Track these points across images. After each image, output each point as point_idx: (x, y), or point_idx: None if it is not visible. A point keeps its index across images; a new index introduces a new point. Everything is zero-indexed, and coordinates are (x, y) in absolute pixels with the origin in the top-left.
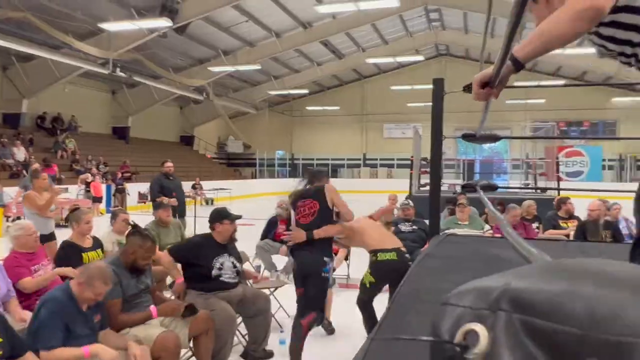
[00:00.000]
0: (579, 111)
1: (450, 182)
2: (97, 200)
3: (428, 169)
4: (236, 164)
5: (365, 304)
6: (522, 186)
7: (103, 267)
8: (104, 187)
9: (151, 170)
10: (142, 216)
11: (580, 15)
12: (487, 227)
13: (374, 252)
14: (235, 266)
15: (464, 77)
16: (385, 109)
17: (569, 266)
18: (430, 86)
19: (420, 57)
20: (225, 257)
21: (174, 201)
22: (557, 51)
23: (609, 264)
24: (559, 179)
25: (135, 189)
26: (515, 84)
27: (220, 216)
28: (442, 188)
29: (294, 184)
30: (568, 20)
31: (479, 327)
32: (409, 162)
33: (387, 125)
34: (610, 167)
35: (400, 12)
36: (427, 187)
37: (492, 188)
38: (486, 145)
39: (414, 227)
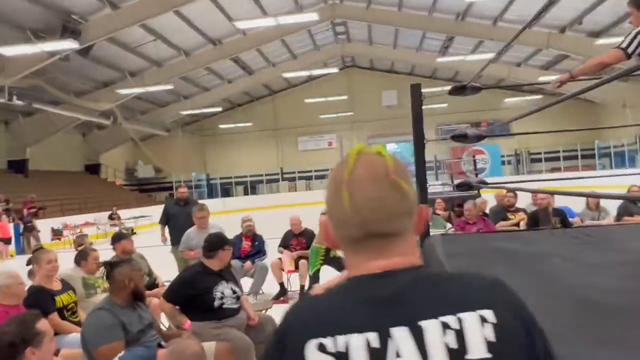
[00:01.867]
0: (477, 113)
1: None
2: (6, 241)
3: None
4: (149, 189)
5: None
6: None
7: (199, 352)
8: (11, 226)
9: (59, 204)
10: (62, 253)
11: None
12: (448, 225)
13: None
14: (234, 292)
15: (371, 87)
16: (299, 122)
17: None
18: (341, 97)
19: (334, 69)
20: (223, 284)
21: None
22: (455, 57)
23: None
24: (477, 175)
25: (45, 225)
26: (424, 90)
27: (222, 242)
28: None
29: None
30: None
31: None
32: (326, 173)
33: (301, 138)
34: (509, 162)
35: (309, 27)
36: None
37: (470, 186)
38: (389, 150)
39: None
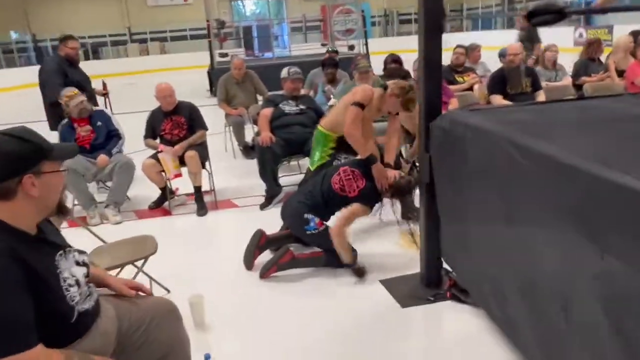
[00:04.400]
0: None
1: (231, 51)
2: None
3: (226, 37)
4: None
5: None
6: None
7: None
8: None
9: None
10: None
11: None
12: None
13: None
14: (87, 274)
15: None
16: None
17: None
18: None
19: None
20: (62, 257)
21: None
22: None
23: None
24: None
25: None
26: None
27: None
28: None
29: None
30: None
31: None
32: (183, 33)
33: None
34: (378, 23)
35: None
36: (228, 58)
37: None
38: (249, 10)
39: (301, 106)
